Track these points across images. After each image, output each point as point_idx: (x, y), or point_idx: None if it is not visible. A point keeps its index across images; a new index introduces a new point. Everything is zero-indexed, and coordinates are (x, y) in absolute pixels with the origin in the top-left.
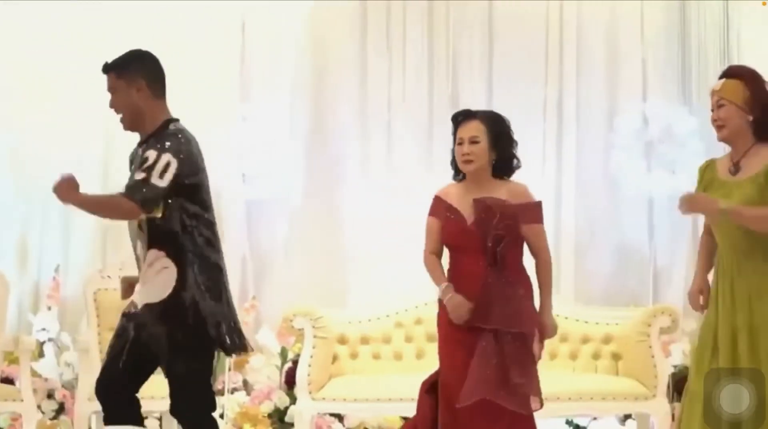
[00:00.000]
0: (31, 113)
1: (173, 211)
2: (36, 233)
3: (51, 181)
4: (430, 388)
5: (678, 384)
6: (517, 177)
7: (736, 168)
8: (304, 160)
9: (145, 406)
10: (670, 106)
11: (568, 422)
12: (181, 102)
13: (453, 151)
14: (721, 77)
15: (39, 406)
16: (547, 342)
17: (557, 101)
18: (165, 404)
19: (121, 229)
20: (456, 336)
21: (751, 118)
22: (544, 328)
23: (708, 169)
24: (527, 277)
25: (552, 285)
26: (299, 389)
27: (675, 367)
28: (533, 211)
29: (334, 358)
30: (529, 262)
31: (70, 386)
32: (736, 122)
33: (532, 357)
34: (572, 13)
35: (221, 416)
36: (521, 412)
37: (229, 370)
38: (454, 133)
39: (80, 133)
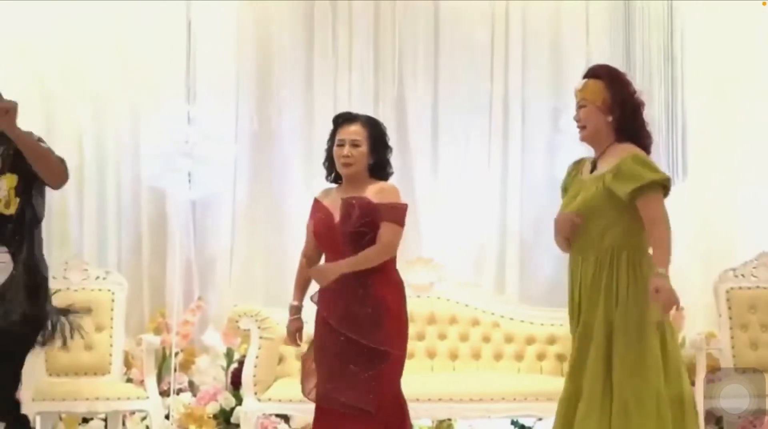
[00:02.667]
0: None
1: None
2: None
3: None
4: None
5: None
6: (464, 176)
7: (593, 167)
8: (250, 160)
9: (90, 407)
10: None
11: (514, 422)
12: (128, 102)
13: (329, 150)
14: (584, 77)
15: None
16: (492, 342)
17: (503, 101)
18: (111, 405)
19: (66, 229)
20: (317, 333)
21: (610, 118)
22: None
23: (575, 167)
24: (392, 280)
25: (364, 261)
26: (245, 390)
27: None
28: (394, 211)
29: (280, 359)
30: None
31: None
32: (595, 123)
33: (368, 366)
34: (517, 14)
35: (167, 417)
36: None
37: (175, 370)
38: (333, 134)
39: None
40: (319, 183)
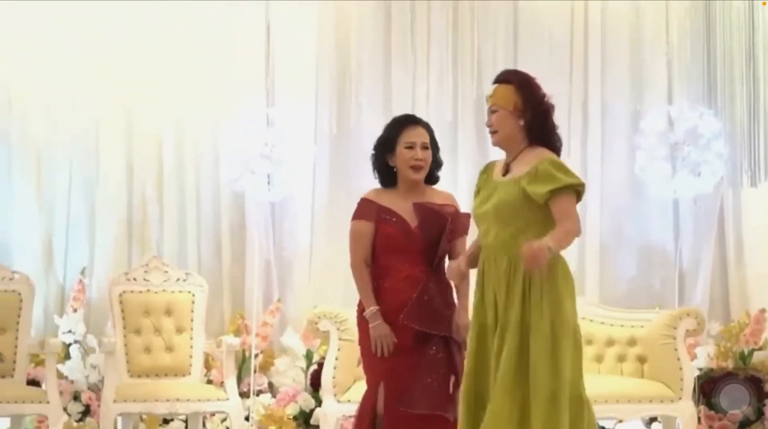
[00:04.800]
0: (54, 116)
1: None
2: (61, 236)
3: (75, 184)
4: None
5: (704, 386)
6: None
7: (506, 170)
8: (329, 162)
9: (171, 408)
10: (696, 107)
11: None
12: (208, 105)
13: (382, 154)
14: (494, 82)
15: (65, 408)
16: None
17: (582, 103)
18: (191, 406)
19: (146, 231)
20: (401, 340)
21: (522, 122)
22: (462, 330)
23: (485, 171)
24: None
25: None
26: (324, 391)
27: (700, 369)
28: (468, 221)
29: (360, 361)
30: None
31: (96, 388)
32: (508, 128)
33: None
34: (597, 14)
35: (247, 418)
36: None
37: (255, 372)
38: (396, 136)
39: (103, 135)
40: None
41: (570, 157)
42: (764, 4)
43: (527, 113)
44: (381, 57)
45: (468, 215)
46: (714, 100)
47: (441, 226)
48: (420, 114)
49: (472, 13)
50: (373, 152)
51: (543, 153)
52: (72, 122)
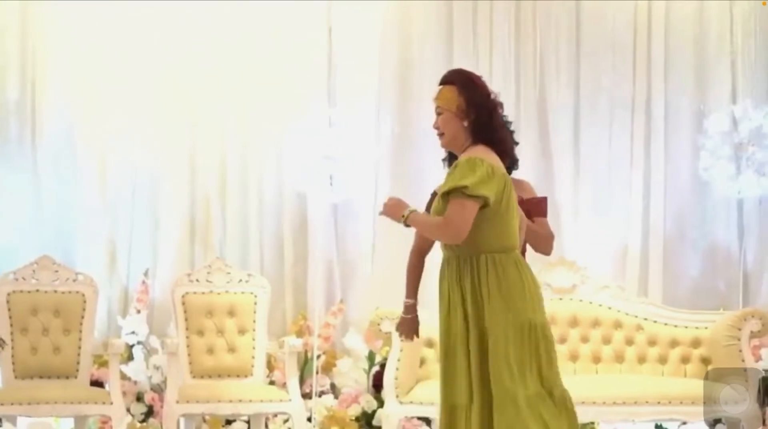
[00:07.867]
0: (118, 119)
1: None
2: (124, 238)
3: (138, 186)
4: None
5: None
6: (607, 177)
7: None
8: (391, 163)
9: (233, 409)
10: (760, 107)
11: (658, 426)
12: (270, 107)
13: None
14: (439, 83)
15: (128, 409)
16: (635, 345)
17: (645, 103)
18: (254, 407)
19: (209, 233)
20: None
21: (466, 123)
22: None
23: None
24: None
25: None
26: (387, 393)
27: (765, 371)
28: (543, 205)
29: (422, 362)
30: None
31: (159, 389)
32: (453, 129)
33: None
34: (660, 14)
35: (309, 419)
36: None
37: (317, 373)
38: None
39: (166, 137)
40: None
41: (633, 157)
42: (764, 4)
43: (471, 113)
44: (443, 57)
45: (543, 199)
46: None
47: None
48: None
49: (534, 13)
50: None
51: (469, 152)
52: (136, 124)
